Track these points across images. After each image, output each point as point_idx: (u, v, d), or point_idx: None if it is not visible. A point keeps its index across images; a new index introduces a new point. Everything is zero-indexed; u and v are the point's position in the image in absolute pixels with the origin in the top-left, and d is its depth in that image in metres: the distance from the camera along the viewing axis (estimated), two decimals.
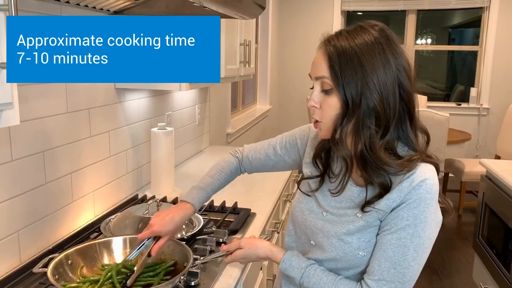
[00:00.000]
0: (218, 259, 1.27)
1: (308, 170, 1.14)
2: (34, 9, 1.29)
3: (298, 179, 1.18)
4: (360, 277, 1.00)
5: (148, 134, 2.05)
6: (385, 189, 0.94)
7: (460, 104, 5.45)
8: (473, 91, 5.38)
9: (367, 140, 0.91)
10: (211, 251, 1.38)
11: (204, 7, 1.43)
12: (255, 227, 1.63)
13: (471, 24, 6.13)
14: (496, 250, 2.51)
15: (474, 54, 5.59)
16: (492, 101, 5.27)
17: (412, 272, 0.93)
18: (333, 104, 0.93)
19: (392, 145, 0.94)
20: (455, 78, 6.41)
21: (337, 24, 5.47)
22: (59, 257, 1.08)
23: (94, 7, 1.52)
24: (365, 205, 0.96)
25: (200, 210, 1.69)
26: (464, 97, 5.63)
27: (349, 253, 0.98)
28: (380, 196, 0.94)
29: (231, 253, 1.13)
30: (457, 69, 6.83)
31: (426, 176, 0.92)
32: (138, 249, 1.13)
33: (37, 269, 1.10)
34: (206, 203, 1.78)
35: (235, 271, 1.29)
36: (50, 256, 1.13)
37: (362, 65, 0.89)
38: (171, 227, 1.17)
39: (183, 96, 2.50)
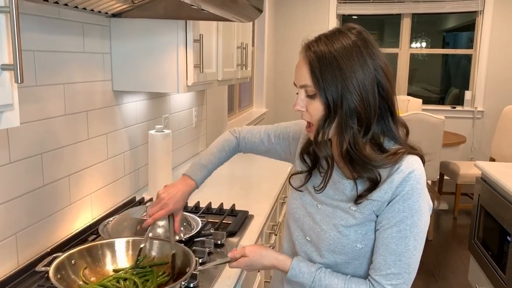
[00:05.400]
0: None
1: (299, 165, 1.17)
2: (33, 11, 1.30)
3: (290, 175, 1.19)
4: (360, 270, 1.03)
5: (145, 137, 2.05)
6: (375, 183, 0.97)
7: (455, 107, 5.49)
8: (467, 94, 5.41)
9: (351, 139, 0.96)
10: (210, 253, 1.38)
11: (202, 9, 1.44)
12: (253, 229, 1.64)
13: (465, 28, 6.18)
14: (492, 252, 2.53)
15: (468, 58, 5.63)
16: (487, 104, 5.30)
17: (416, 260, 0.97)
18: (318, 107, 0.98)
19: (378, 141, 0.99)
20: (449, 81, 6.45)
21: (332, 27, 5.47)
22: (62, 256, 1.08)
23: (92, 10, 1.53)
24: (358, 198, 0.99)
25: (197, 212, 1.70)
26: (459, 100, 5.66)
27: (347, 245, 1.01)
28: (371, 189, 0.98)
29: (235, 260, 1.12)
30: (451, 73, 6.87)
31: (413, 167, 0.96)
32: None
33: (40, 267, 1.10)
34: (203, 204, 1.78)
35: (234, 273, 1.29)
36: (54, 255, 1.12)
37: (341, 68, 0.93)
38: (183, 203, 1.27)
39: (180, 98, 2.50)
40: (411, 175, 0.95)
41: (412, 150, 0.99)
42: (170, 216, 1.27)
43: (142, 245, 1.18)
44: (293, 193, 1.15)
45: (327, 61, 0.94)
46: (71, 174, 1.53)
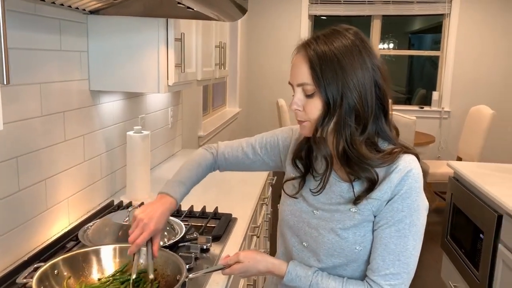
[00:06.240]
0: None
1: (291, 171, 1.14)
2: (7, 6, 1.21)
3: (283, 181, 1.16)
4: (357, 272, 1.02)
5: (122, 138, 1.99)
6: (373, 182, 0.97)
7: (422, 107, 5.61)
8: (435, 95, 5.55)
9: (348, 137, 0.95)
10: (196, 259, 1.34)
11: (187, 8, 1.40)
12: (237, 232, 1.61)
13: (430, 30, 6.35)
14: (465, 249, 2.59)
15: (431, 60, 5.78)
16: (453, 105, 5.45)
17: (414, 260, 0.97)
18: (316, 105, 0.96)
19: (373, 141, 0.98)
20: (415, 82, 6.62)
21: (304, 27, 5.52)
22: (44, 266, 1.02)
23: (70, 6, 1.46)
24: (356, 199, 0.98)
25: (180, 216, 1.66)
26: (426, 101, 5.80)
27: (346, 248, 1.00)
28: (369, 189, 0.97)
29: (229, 267, 1.09)
30: (417, 74, 7.06)
31: (411, 166, 0.96)
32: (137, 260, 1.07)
33: (21, 279, 1.03)
34: (186, 208, 1.74)
35: (222, 280, 1.26)
36: (35, 265, 1.06)
37: (342, 66, 0.93)
38: (163, 223, 1.12)
39: (156, 98, 2.44)
40: (409, 173, 0.95)
41: (407, 150, 1.00)
42: (148, 240, 1.10)
43: (133, 277, 1.05)
44: (287, 200, 1.13)
45: (328, 58, 0.93)
46: (48, 177, 1.46)
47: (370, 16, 5.50)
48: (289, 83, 1.00)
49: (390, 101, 1.00)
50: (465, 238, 2.61)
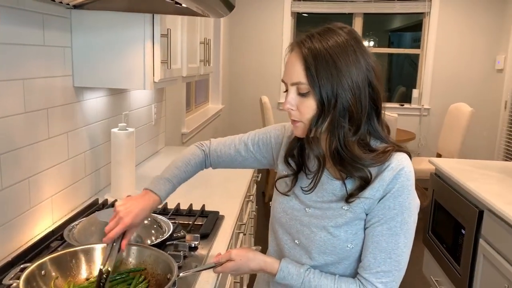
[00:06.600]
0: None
1: (283, 169, 1.14)
2: None
3: (275, 179, 1.16)
4: (349, 270, 1.02)
5: (106, 135, 1.95)
6: (366, 181, 0.97)
7: (403, 105, 5.69)
8: (415, 93, 5.62)
9: (342, 138, 0.95)
10: (185, 257, 1.33)
11: (175, 3, 1.38)
12: (225, 230, 1.60)
13: (409, 28, 6.43)
14: (446, 244, 2.64)
15: (409, 58, 5.86)
16: (433, 102, 5.54)
17: (405, 258, 0.97)
18: (310, 105, 0.95)
19: (365, 140, 0.98)
20: (395, 79, 6.69)
21: (287, 24, 5.52)
22: (31, 267, 0.99)
23: (53, 0, 1.43)
24: (349, 197, 0.98)
25: (167, 214, 1.64)
26: (405, 98, 5.88)
27: (338, 246, 1.00)
28: (362, 187, 0.97)
29: (220, 265, 1.08)
30: (396, 71, 7.14)
31: (403, 164, 0.96)
32: (110, 252, 1.04)
33: (7, 280, 1.00)
34: (172, 206, 1.72)
35: (212, 278, 1.25)
36: (21, 266, 1.03)
37: (337, 66, 0.92)
38: (142, 219, 1.11)
39: (140, 95, 2.41)
40: (401, 172, 0.95)
41: (399, 148, 1.00)
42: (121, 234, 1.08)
43: (101, 267, 1.03)
44: (279, 197, 1.12)
45: (322, 58, 0.92)
46: (31, 176, 1.42)
47: (351, 14, 5.54)
48: (283, 81, 1.00)
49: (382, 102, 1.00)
50: (446, 234, 2.66)
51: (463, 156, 4.18)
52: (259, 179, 2.73)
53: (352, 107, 0.93)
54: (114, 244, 1.06)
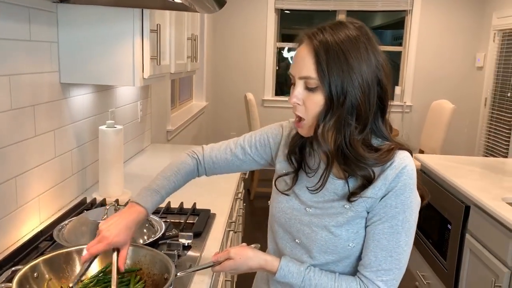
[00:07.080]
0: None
1: (283, 167, 1.12)
2: None
3: (274, 178, 1.14)
4: (349, 268, 1.01)
5: (92, 132, 1.91)
6: (369, 180, 0.96)
7: None
8: (397, 90, 5.68)
9: (347, 136, 0.93)
10: (179, 256, 1.31)
11: None
12: (217, 228, 1.58)
13: (390, 26, 6.48)
14: (432, 240, 2.67)
15: (389, 56, 5.90)
16: (415, 99, 5.61)
17: (406, 256, 0.97)
18: (318, 101, 0.93)
19: (367, 139, 0.97)
20: None
21: (271, 21, 5.51)
22: (23, 269, 0.96)
23: None
24: (351, 196, 0.97)
25: (158, 213, 1.61)
26: None
27: (339, 245, 0.99)
28: (364, 186, 0.96)
29: (218, 264, 1.06)
30: None
31: (406, 162, 0.95)
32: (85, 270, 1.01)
33: None
34: (163, 205, 1.69)
35: (207, 277, 1.23)
36: (13, 269, 0.99)
37: (348, 63, 0.90)
38: (128, 235, 1.05)
39: (126, 91, 2.37)
40: (404, 170, 0.94)
41: (401, 146, 0.99)
42: (115, 251, 1.04)
43: (71, 285, 0.99)
44: (278, 197, 1.11)
45: (334, 53, 0.90)
46: (18, 175, 1.38)
47: (335, 11, 5.56)
48: (289, 73, 0.97)
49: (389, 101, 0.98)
50: (432, 229, 2.69)
51: (445, 152, 4.25)
52: (246, 177, 2.71)
53: (361, 105, 0.91)
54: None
